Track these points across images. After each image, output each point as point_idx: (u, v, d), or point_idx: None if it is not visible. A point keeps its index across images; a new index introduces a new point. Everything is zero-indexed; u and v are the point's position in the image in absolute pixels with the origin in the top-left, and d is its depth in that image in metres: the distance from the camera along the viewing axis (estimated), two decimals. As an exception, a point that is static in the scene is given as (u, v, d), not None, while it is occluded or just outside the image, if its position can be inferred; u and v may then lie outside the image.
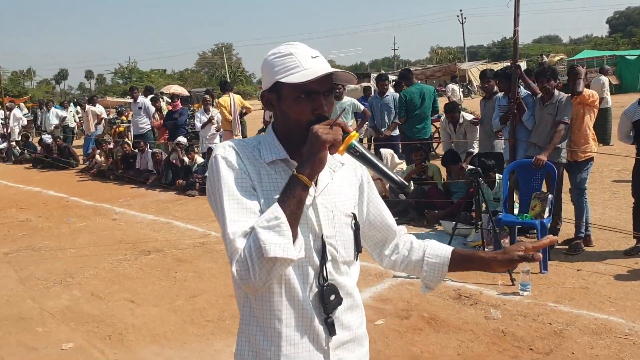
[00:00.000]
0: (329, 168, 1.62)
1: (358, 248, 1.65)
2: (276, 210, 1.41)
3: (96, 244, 7.29)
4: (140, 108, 12.27)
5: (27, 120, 23.33)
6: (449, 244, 5.44)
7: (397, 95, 9.06)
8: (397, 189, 1.57)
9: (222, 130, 10.65)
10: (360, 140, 9.74)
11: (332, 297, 1.55)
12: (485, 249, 5.72)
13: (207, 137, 10.76)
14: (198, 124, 11.12)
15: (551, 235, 1.70)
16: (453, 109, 8.02)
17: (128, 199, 10.25)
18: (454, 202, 6.97)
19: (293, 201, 1.42)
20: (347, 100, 8.81)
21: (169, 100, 14.66)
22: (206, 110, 10.92)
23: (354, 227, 1.64)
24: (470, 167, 6.59)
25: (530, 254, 1.61)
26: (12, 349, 4.36)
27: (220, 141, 10.77)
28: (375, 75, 17.94)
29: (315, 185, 1.56)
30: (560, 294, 4.82)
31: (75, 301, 5.30)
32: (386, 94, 8.90)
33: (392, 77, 24.22)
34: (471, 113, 10.63)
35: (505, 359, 3.83)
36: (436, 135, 11.93)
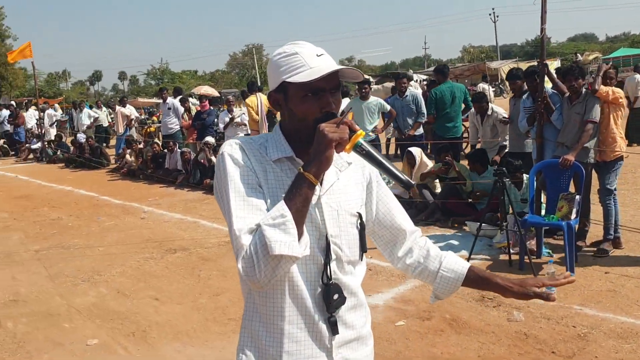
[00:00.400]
0: (335, 167, 1.62)
1: (363, 248, 1.64)
2: (282, 208, 1.41)
3: (124, 242, 7.41)
4: (169, 109, 12.44)
5: (62, 121, 23.83)
6: (473, 246, 5.37)
7: (417, 93, 8.96)
8: (403, 187, 1.56)
9: (249, 130, 10.73)
10: (388, 141, 9.70)
11: (336, 296, 1.55)
12: (511, 250, 5.65)
13: (232, 137, 10.84)
14: (221, 125, 11.22)
15: (569, 273, 1.68)
16: (481, 98, 7.88)
17: (157, 198, 10.39)
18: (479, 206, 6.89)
19: (299, 199, 1.43)
20: (373, 100, 8.76)
21: (197, 102, 14.80)
22: (229, 111, 11.00)
23: (359, 227, 1.63)
24: (495, 167, 6.49)
25: (545, 294, 1.63)
26: (40, 344, 4.46)
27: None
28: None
29: (321, 184, 1.57)
30: (586, 297, 4.73)
31: (102, 298, 5.40)
32: (405, 94, 8.78)
33: (422, 77, 24.15)
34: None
35: (526, 361, 3.78)
36: (465, 135, 11.79)
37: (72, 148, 16.86)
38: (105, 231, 8.11)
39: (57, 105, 30.60)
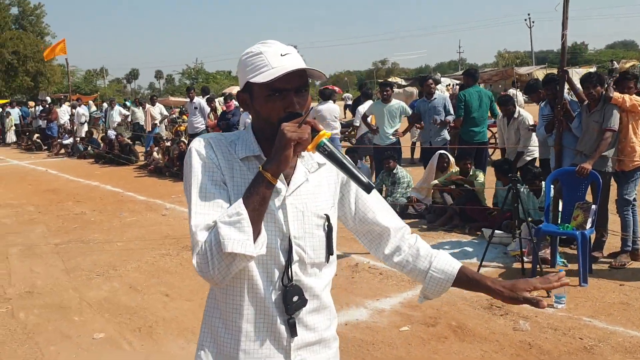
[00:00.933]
0: (305, 168, 1.62)
1: (330, 250, 1.63)
2: (239, 206, 1.42)
3: (143, 238, 7.52)
4: (195, 108, 12.58)
5: (95, 118, 24.31)
6: (485, 253, 5.28)
7: (446, 96, 8.86)
8: (364, 190, 1.54)
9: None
10: (413, 144, 9.62)
11: (295, 298, 1.54)
12: (525, 259, 5.56)
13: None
14: (241, 127, 11.30)
15: (563, 274, 1.64)
16: (507, 101, 7.77)
17: (180, 195, 10.50)
18: (495, 212, 6.79)
19: (256, 198, 1.43)
20: (395, 103, 8.70)
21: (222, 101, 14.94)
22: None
23: (326, 229, 1.62)
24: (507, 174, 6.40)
25: (534, 299, 1.58)
26: (49, 335, 4.55)
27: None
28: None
29: (288, 185, 1.56)
30: (597, 309, 4.63)
31: (114, 293, 5.49)
32: (434, 97, 8.66)
33: (455, 81, 23.81)
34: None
35: (528, 373, 3.72)
36: (492, 141, 11.64)
37: (102, 144, 17.19)
38: (126, 227, 8.24)
39: (91, 102, 31.25)
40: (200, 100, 12.75)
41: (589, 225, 5.27)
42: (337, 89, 44.23)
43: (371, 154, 9.89)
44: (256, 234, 1.43)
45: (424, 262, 1.72)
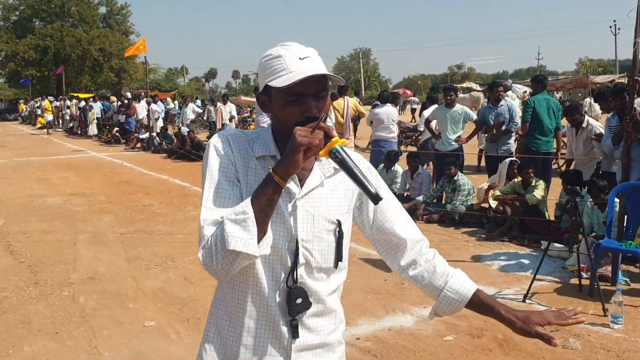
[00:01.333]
0: (321, 172, 1.63)
1: (339, 256, 1.63)
2: (246, 205, 1.44)
3: (203, 232, 7.72)
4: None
5: (172, 114, 25.21)
6: (539, 266, 5.09)
7: (513, 104, 8.61)
8: (372, 201, 1.53)
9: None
10: (480, 152, 9.41)
11: (299, 301, 1.56)
12: (583, 275, 5.34)
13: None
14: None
15: (580, 310, 1.61)
16: (573, 110, 7.49)
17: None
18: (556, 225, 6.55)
19: (264, 199, 1.45)
20: (458, 108, 8.56)
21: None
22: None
23: (337, 234, 1.62)
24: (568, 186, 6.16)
25: (546, 336, 1.57)
26: (104, 320, 4.78)
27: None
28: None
29: (301, 187, 1.59)
30: (657, 332, 4.39)
31: (169, 283, 5.68)
32: (500, 103, 8.43)
33: (528, 89, 23.06)
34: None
35: (572, 393, 3.57)
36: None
37: (175, 140, 17.80)
38: (189, 220, 8.50)
39: (169, 99, 32.39)
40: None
41: (654, 243, 5.01)
42: (408, 92, 43.96)
43: (433, 160, 9.74)
44: (262, 234, 1.45)
45: (439, 279, 1.71)
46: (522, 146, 9.57)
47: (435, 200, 8.39)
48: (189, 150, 16.08)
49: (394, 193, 6.76)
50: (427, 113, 9.67)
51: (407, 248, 1.74)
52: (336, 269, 1.65)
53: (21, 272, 6.08)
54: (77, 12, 51.81)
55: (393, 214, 1.74)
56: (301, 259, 1.57)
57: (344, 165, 1.51)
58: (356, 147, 14.32)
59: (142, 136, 19.75)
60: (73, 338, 4.44)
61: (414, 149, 13.75)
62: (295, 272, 1.56)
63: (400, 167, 9.24)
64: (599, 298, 4.86)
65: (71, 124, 28.26)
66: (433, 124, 9.08)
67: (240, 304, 1.58)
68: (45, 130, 29.09)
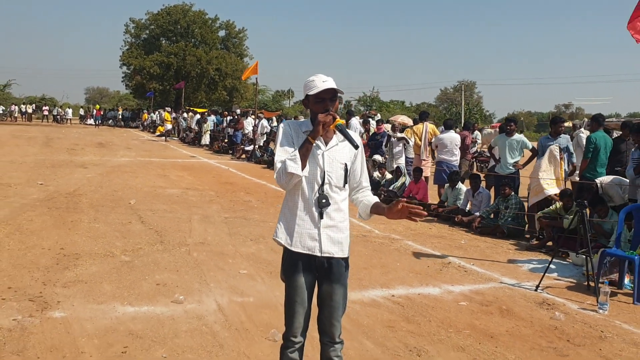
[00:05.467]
0: (337, 139, 3.17)
1: (345, 180, 3.16)
2: (295, 151, 3.00)
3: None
4: (349, 128, 14.52)
5: (274, 132, 27.41)
6: (547, 267, 6.24)
7: (568, 138, 9.65)
8: (353, 147, 3.07)
9: (412, 150, 12.29)
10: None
11: (324, 201, 3.10)
12: (593, 279, 6.45)
13: (394, 156, 12.49)
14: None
15: (421, 213, 3.02)
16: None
17: (327, 200, 12.36)
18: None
19: (303, 149, 3.00)
20: (517, 137, 9.76)
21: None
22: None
23: (344, 169, 3.16)
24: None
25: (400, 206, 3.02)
26: (210, 267, 6.50)
27: (406, 162, 12.40)
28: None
29: (326, 145, 3.14)
30: (636, 319, 5.48)
31: (259, 251, 7.36)
32: (560, 136, 9.46)
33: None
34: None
35: (541, 341, 4.82)
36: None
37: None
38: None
39: (274, 118, 34.88)
40: (353, 121, 14.66)
41: (650, 253, 6.07)
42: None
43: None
44: (303, 166, 3.00)
45: (363, 199, 3.27)
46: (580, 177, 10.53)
47: (492, 216, 9.60)
48: (286, 162, 17.97)
49: (457, 207, 8.48)
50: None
51: (360, 188, 3.31)
52: (343, 187, 3.18)
53: (150, 234, 7.99)
54: (200, 34, 56.41)
55: (360, 171, 3.29)
56: (326, 180, 3.11)
57: (343, 132, 3.07)
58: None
59: (247, 148, 22.01)
60: (188, 274, 6.19)
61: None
62: (322, 186, 3.11)
63: (464, 186, 10.55)
64: (594, 295, 5.99)
65: (186, 134, 31.36)
66: (494, 150, 10.31)
67: (295, 202, 3.14)
68: (163, 137, 32.43)
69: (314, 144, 3.04)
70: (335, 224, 3.16)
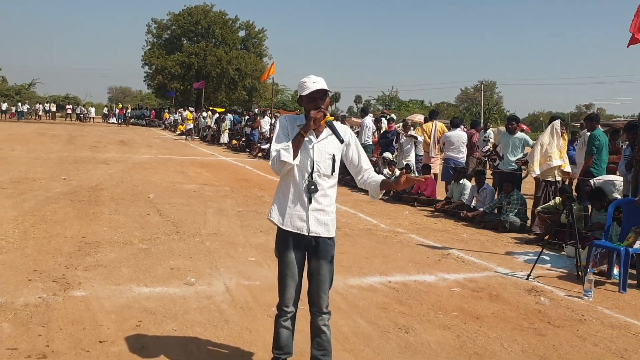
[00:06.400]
0: (327, 132, 3.58)
1: (333, 170, 3.56)
2: (289, 142, 3.42)
3: (300, 217, 9.84)
4: (361, 126, 14.90)
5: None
6: (537, 258, 6.59)
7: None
8: (340, 141, 3.47)
9: (422, 148, 12.65)
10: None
11: (313, 187, 3.51)
12: (591, 271, 6.77)
13: (403, 154, 12.85)
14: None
15: (411, 182, 3.46)
16: (634, 127, 8.65)
17: (337, 196, 12.77)
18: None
19: (295, 140, 3.42)
20: (519, 135, 10.09)
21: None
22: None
23: (333, 160, 3.56)
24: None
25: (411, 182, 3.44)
26: (221, 254, 6.95)
27: (416, 159, 12.76)
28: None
29: (317, 137, 3.55)
30: (618, 305, 5.81)
31: (269, 242, 7.78)
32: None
33: None
34: None
35: (523, 322, 5.18)
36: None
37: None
38: (291, 210, 10.64)
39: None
40: (368, 120, 15.06)
41: (637, 245, 6.38)
42: (524, 127, 44.00)
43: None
44: (295, 155, 3.42)
45: (369, 180, 3.65)
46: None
47: (496, 211, 9.94)
48: (301, 160, 18.43)
49: (463, 203, 8.87)
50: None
51: (363, 172, 3.68)
52: (331, 175, 3.58)
53: (167, 225, 8.48)
54: (220, 35, 57.23)
55: (358, 157, 3.68)
56: (315, 169, 3.52)
57: (331, 127, 3.48)
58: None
59: (263, 146, 22.50)
60: (200, 260, 6.65)
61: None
62: (312, 174, 3.52)
63: (468, 182, 10.89)
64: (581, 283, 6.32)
65: (206, 133, 32.00)
66: (499, 148, 10.64)
67: (287, 187, 3.56)
68: (183, 136, 33.12)
69: (306, 137, 3.47)
70: (322, 208, 3.57)
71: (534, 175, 9.34)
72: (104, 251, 6.77)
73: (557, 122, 9.30)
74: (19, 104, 54.98)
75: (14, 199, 9.90)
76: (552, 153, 9.16)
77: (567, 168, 9.37)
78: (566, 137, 9.34)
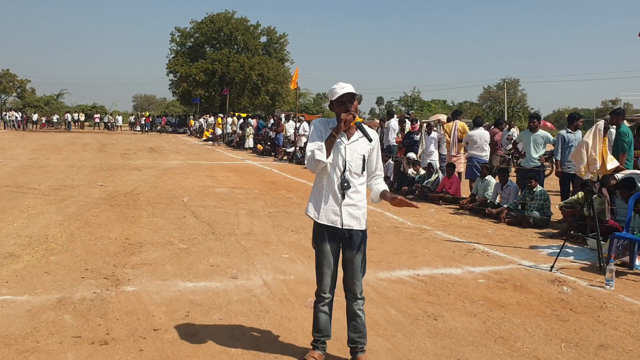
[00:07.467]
0: (357, 134, 3.93)
1: (363, 168, 3.92)
2: (322, 143, 3.79)
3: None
4: (387, 128, 15.21)
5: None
6: (560, 251, 6.91)
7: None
8: (368, 140, 3.83)
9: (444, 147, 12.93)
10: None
11: (345, 184, 3.87)
12: (612, 262, 7.00)
13: (427, 154, 13.14)
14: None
15: (414, 205, 3.81)
16: None
17: (365, 196, 13.12)
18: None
19: (328, 141, 3.79)
20: (541, 132, 10.32)
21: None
22: (429, 134, 13.33)
23: (363, 159, 3.91)
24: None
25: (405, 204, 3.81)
26: (256, 252, 7.34)
27: (440, 159, 13.03)
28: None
29: (348, 139, 3.90)
30: (639, 293, 6.04)
31: (299, 240, 8.16)
32: (576, 131, 9.94)
33: None
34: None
35: (546, 309, 5.46)
36: None
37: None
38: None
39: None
40: (392, 122, 15.37)
41: (657, 236, 6.61)
42: (548, 124, 43.75)
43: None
44: (328, 154, 3.79)
45: (374, 186, 4.02)
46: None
47: (520, 207, 10.17)
48: (327, 162, 18.81)
49: (486, 200, 9.18)
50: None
51: (374, 176, 4.05)
52: (362, 173, 3.94)
53: (203, 227, 8.90)
54: (242, 41, 58.00)
55: (375, 161, 4.04)
56: (347, 168, 3.88)
57: (360, 128, 3.84)
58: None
59: (288, 150, 22.94)
60: (238, 257, 7.05)
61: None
62: (344, 173, 3.88)
63: (493, 179, 11.15)
64: (606, 273, 6.56)
65: (231, 138, 32.57)
66: (520, 145, 10.88)
67: (322, 184, 3.93)
68: (210, 142, 33.75)
69: (338, 139, 3.83)
70: (354, 203, 3.93)
71: (586, 178, 9.15)
72: (147, 251, 7.21)
73: (600, 123, 9.23)
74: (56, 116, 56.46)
75: (56, 204, 10.44)
76: (597, 156, 9.24)
77: (611, 165, 9.06)
78: (606, 140, 9.18)
